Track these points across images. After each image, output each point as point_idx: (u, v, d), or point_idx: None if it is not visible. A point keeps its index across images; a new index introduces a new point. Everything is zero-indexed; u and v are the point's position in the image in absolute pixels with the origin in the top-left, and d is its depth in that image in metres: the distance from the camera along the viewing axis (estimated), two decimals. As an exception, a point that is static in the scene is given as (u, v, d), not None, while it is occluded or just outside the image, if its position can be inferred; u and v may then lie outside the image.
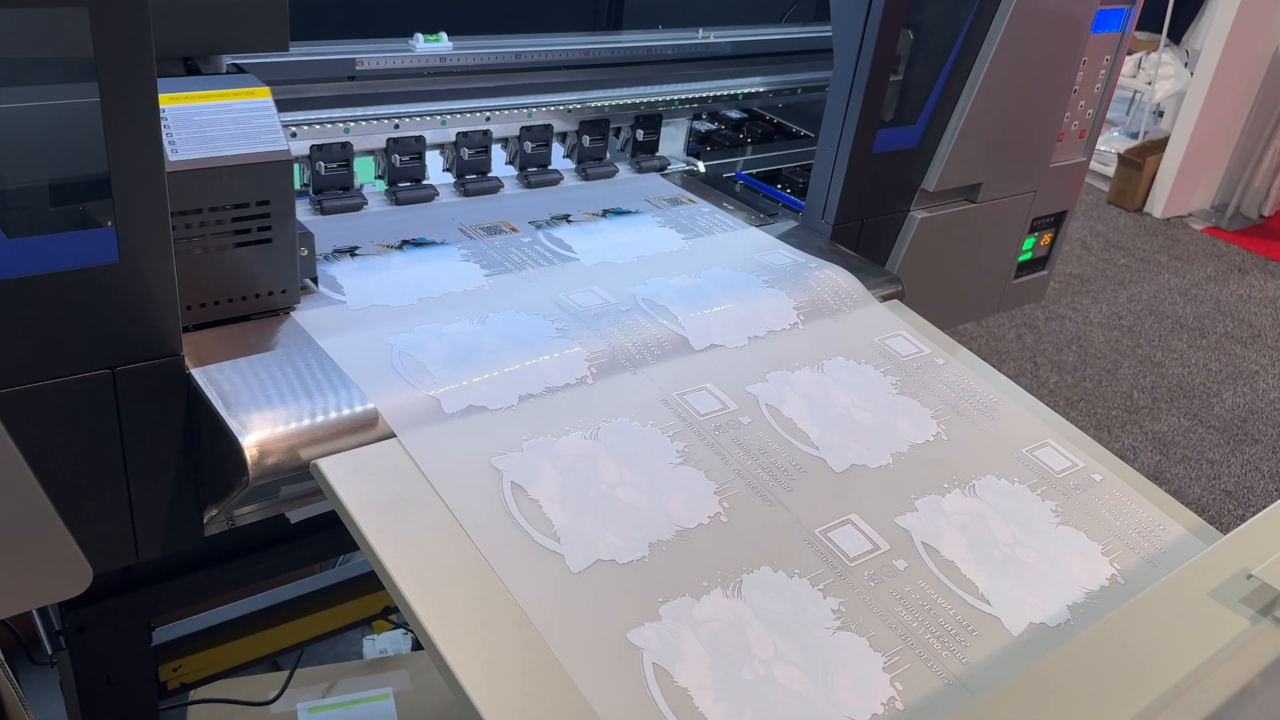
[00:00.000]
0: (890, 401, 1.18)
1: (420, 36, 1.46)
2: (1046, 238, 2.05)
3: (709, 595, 0.89)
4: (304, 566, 1.61)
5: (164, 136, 0.96)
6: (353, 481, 0.97)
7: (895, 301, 1.45)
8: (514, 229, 1.45)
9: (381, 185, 1.50)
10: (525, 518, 0.92)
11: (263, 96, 1.05)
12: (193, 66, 1.10)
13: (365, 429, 1.03)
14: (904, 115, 1.60)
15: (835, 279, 1.41)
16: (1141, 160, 5.26)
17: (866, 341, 1.28)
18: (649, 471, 0.99)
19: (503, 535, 0.91)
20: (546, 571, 0.88)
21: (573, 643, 0.83)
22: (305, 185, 1.43)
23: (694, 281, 1.33)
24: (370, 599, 1.72)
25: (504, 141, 1.60)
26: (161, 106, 0.93)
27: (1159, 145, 5.33)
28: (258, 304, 1.13)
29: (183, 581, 1.38)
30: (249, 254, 1.09)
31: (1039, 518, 1.05)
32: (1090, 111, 1.93)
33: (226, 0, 1.03)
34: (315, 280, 1.20)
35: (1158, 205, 5.32)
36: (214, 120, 1.02)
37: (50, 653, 1.40)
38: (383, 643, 2.15)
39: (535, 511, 0.93)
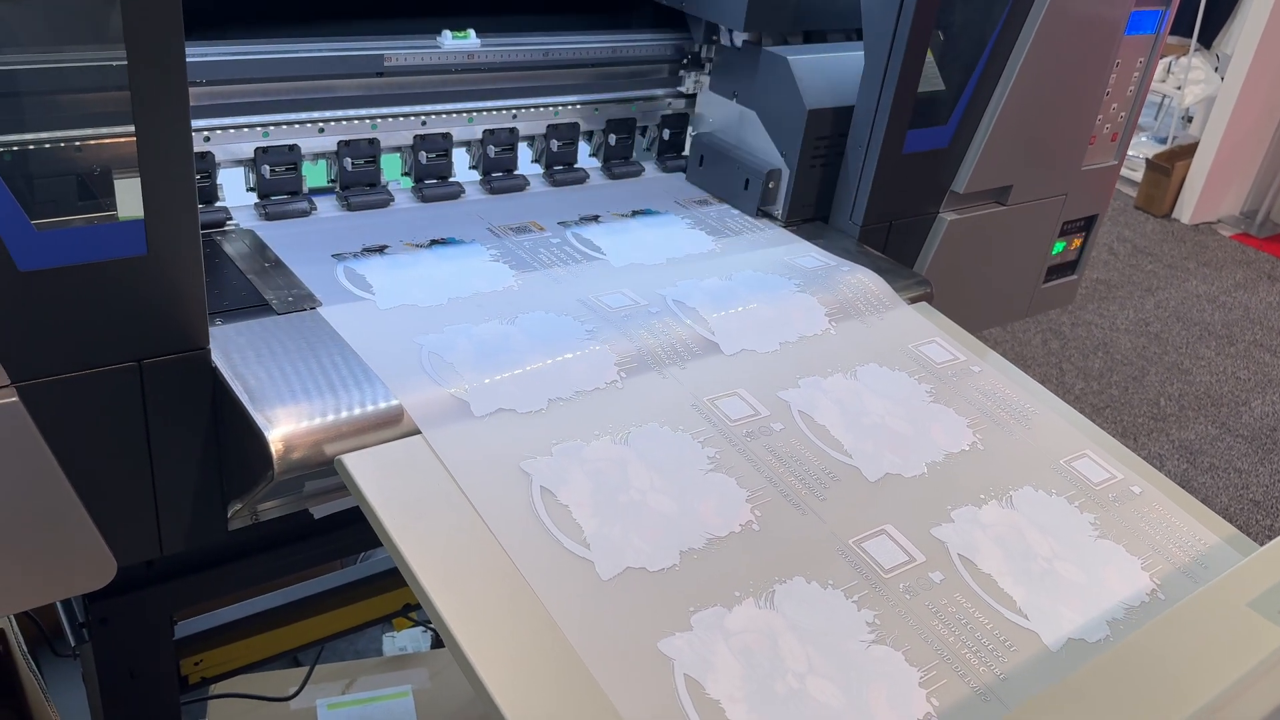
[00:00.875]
0: (925, 409, 1.16)
1: (448, 33, 1.44)
2: (1076, 241, 2.02)
3: (741, 605, 0.87)
4: (326, 562, 1.61)
5: None
6: (377, 477, 0.96)
7: (924, 304, 1.43)
8: (541, 228, 1.43)
9: (407, 182, 1.49)
10: (554, 523, 0.91)
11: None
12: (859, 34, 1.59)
13: (390, 426, 1.02)
14: (934, 115, 1.58)
15: (865, 282, 1.38)
16: (1170, 165, 5.20)
17: (900, 347, 1.26)
18: (680, 478, 0.98)
19: (531, 539, 0.89)
20: (575, 577, 0.86)
21: (601, 650, 0.81)
22: (332, 181, 1.43)
23: (724, 284, 1.31)
24: (391, 596, 1.71)
25: (530, 139, 1.59)
26: None
27: (1188, 150, 5.26)
28: None
29: (206, 576, 1.37)
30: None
31: (1077, 530, 1.03)
32: (1123, 114, 1.90)
33: None
34: None
35: (1186, 211, 5.26)
36: None
37: (73, 645, 1.40)
38: (402, 640, 2.15)
39: (565, 517, 0.92)
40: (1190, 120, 5.63)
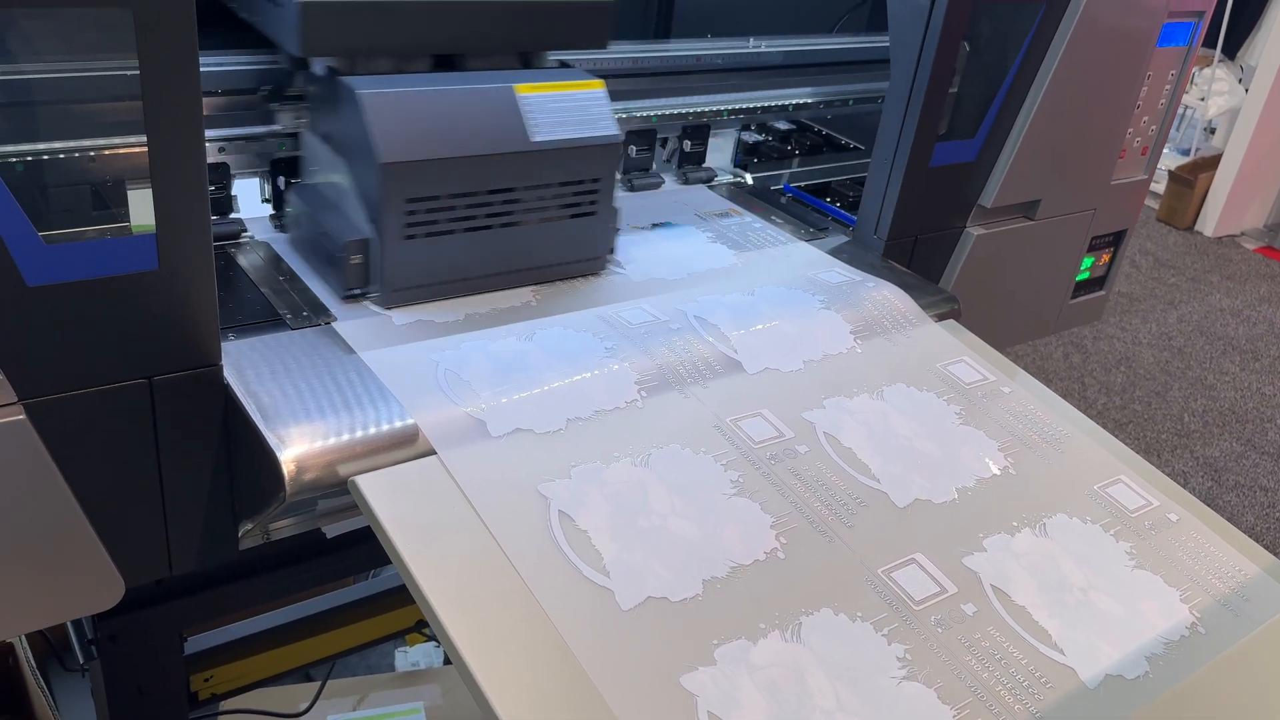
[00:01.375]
0: (954, 432, 1.12)
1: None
2: (1105, 257, 1.98)
3: (766, 639, 0.84)
4: (339, 579, 1.59)
5: (524, 120, 1.18)
6: (391, 500, 0.94)
7: (951, 322, 1.40)
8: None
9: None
10: (573, 548, 0.88)
11: (598, 88, 1.25)
12: (526, 60, 1.29)
13: (405, 445, 1.00)
14: (962, 128, 1.55)
15: (890, 298, 1.35)
16: (1193, 178, 5.14)
17: (928, 367, 1.23)
18: (702, 502, 0.95)
19: (548, 565, 0.86)
20: (594, 606, 0.83)
21: (621, 683, 0.78)
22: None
23: (746, 299, 1.28)
24: (403, 612, 1.69)
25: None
26: (520, 95, 1.18)
27: (1210, 162, 5.20)
28: (577, 269, 1.31)
29: (216, 593, 1.35)
30: (578, 225, 1.27)
31: (1114, 560, 0.99)
32: (1153, 128, 1.86)
33: (562, 5, 1.23)
34: (613, 251, 1.35)
35: (1209, 224, 5.20)
36: (561, 107, 1.20)
37: (82, 661, 1.38)
38: (415, 655, 2.12)
39: (583, 542, 0.89)
40: (1213, 132, 5.57)
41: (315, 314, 1.15)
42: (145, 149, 0.87)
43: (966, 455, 1.09)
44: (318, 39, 1.11)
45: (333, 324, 1.14)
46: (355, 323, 1.14)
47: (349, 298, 1.17)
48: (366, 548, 1.44)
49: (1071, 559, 0.98)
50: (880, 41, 2.01)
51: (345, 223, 1.17)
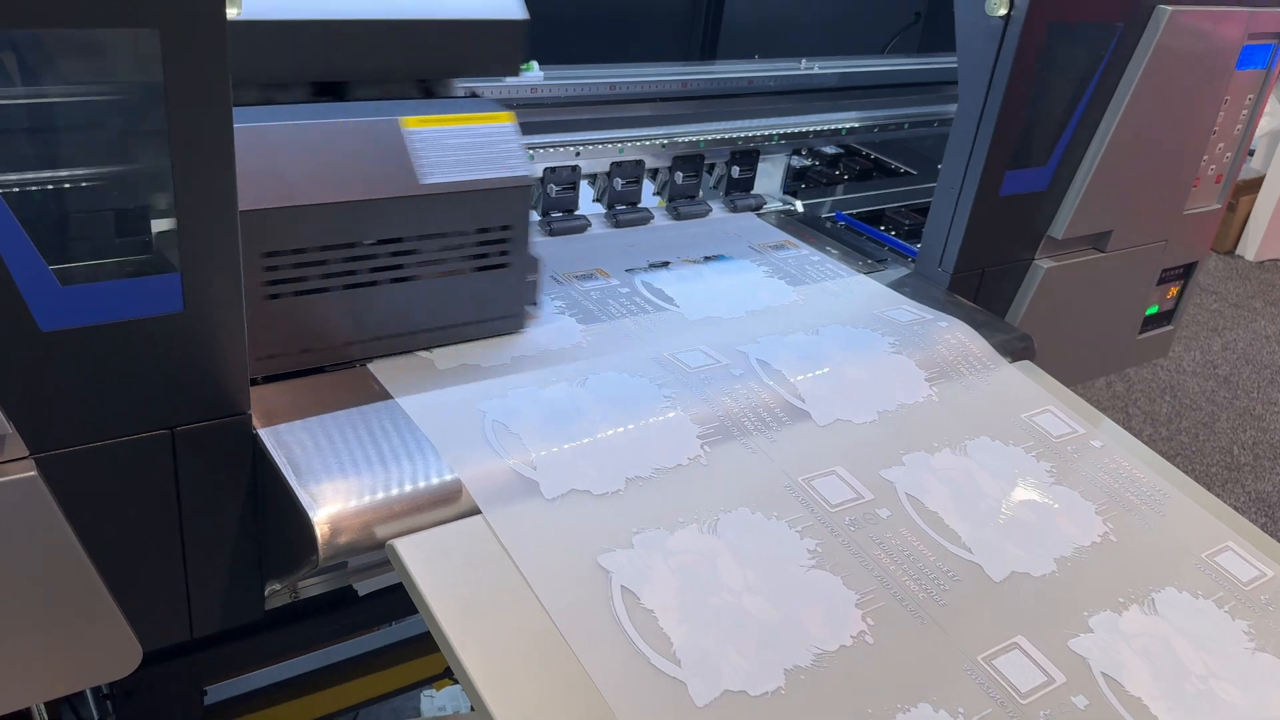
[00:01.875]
0: (1048, 493, 1.02)
1: (512, 63, 1.34)
2: (1173, 290, 1.88)
3: (862, 740, 0.74)
4: (368, 628, 1.50)
5: (412, 159, 0.98)
6: (433, 567, 0.85)
7: (1027, 363, 1.30)
8: (607, 275, 1.32)
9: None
10: (639, 632, 0.79)
11: (506, 121, 1.06)
12: (428, 90, 1.10)
13: (448, 504, 0.91)
14: (1033, 156, 1.45)
15: (963, 340, 1.26)
16: (1234, 201, 5.01)
17: (1011, 417, 1.13)
18: (777, 576, 0.85)
19: (611, 651, 0.77)
20: (665, 701, 0.74)
21: (695, 789, 0.69)
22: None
23: (810, 340, 1.19)
24: (432, 659, 1.60)
25: (592, 178, 1.48)
26: (407, 130, 0.99)
27: (1252, 185, 5.07)
28: (488, 328, 1.12)
29: (238, 647, 1.27)
30: (486, 278, 1.08)
31: (1231, 641, 0.89)
32: (1228, 154, 1.76)
33: (464, 25, 1.04)
34: (536, 304, 1.19)
35: (1251, 248, 5.06)
36: (459, 144, 1.02)
37: (96, 717, 1.30)
38: (441, 699, 2.03)
39: (650, 625, 0.79)
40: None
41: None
42: (170, 180, 0.79)
43: (1063, 520, 0.99)
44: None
45: (368, 364, 1.06)
46: (392, 362, 1.05)
47: None
48: (398, 598, 1.35)
49: (1187, 641, 0.88)
50: (933, 63, 1.93)
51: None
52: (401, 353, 1.06)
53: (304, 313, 0.99)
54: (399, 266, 1.02)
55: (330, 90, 1.05)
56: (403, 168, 0.98)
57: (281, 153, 0.93)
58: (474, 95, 1.13)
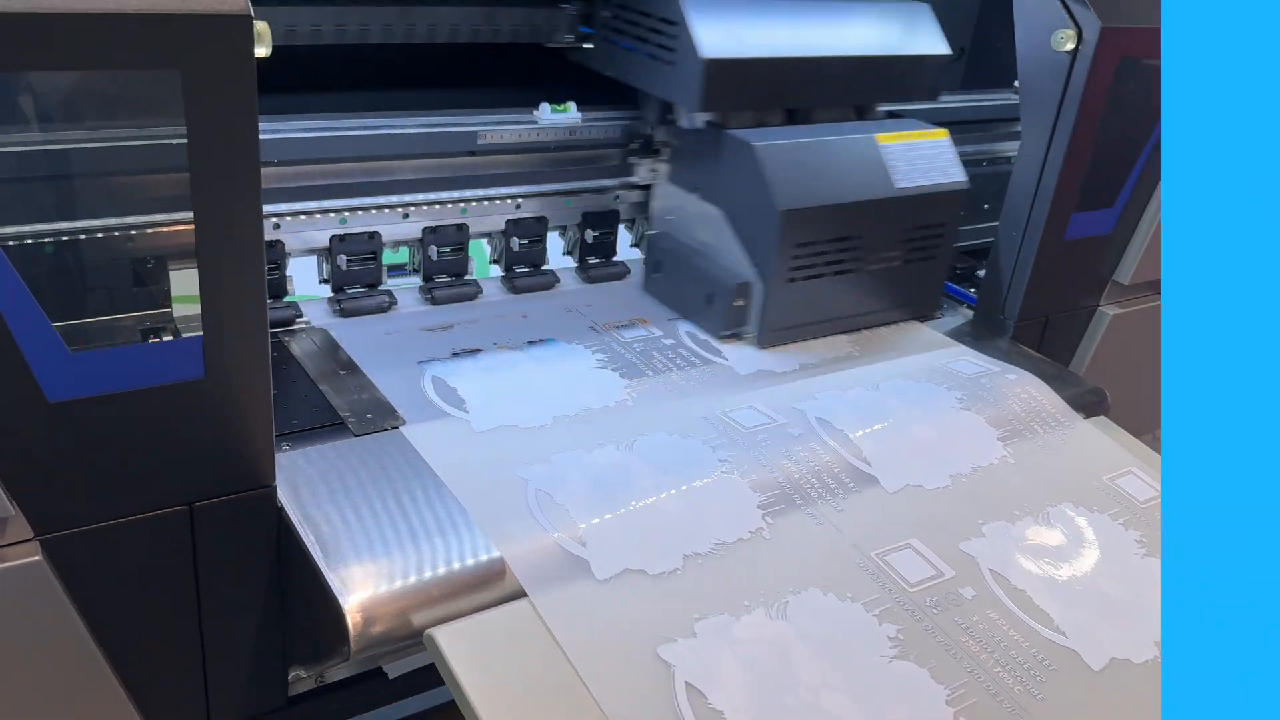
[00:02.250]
0: (1140, 567, 0.93)
1: (547, 106, 1.28)
2: (1237, 334, 1.78)
3: None
4: (398, 699, 1.41)
5: (887, 169, 1.24)
6: (476, 660, 0.77)
7: (1103, 419, 1.22)
8: (649, 323, 1.25)
9: (485, 269, 1.32)
10: (711, 741, 0.70)
11: (942, 136, 1.31)
12: (860, 112, 1.34)
13: (491, 586, 0.83)
14: (1099, 197, 1.37)
15: (1034, 394, 1.17)
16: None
17: (1093, 480, 1.04)
18: (857, 669, 0.76)
19: (679, 761, 0.68)
20: (745, 823, 0.65)
21: None
22: (413, 269, 1.26)
23: (871, 395, 1.11)
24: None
25: (630, 221, 1.41)
26: (881, 144, 1.25)
27: None
28: (916, 312, 1.35)
29: (257, 727, 1.18)
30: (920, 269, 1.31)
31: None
32: (1294, 192, 1.67)
33: (904, 58, 1.29)
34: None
35: None
36: (916, 156, 1.27)
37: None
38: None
39: (723, 731, 0.71)
40: None
41: (381, 416, 0.99)
42: (191, 233, 0.72)
43: (1158, 595, 0.90)
44: (717, 94, 1.15)
45: (401, 429, 0.98)
46: (427, 427, 0.98)
47: (726, 337, 1.21)
48: (432, 677, 1.26)
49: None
50: (980, 99, 1.86)
51: (723, 267, 1.22)
52: (849, 331, 1.28)
53: (805, 294, 1.21)
54: (861, 258, 1.24)
55: (792, 115, 1.28)
56: (881, 175, 1.22)
57: (804, 164, 1.18)
58: (894, 115, 1.36)
